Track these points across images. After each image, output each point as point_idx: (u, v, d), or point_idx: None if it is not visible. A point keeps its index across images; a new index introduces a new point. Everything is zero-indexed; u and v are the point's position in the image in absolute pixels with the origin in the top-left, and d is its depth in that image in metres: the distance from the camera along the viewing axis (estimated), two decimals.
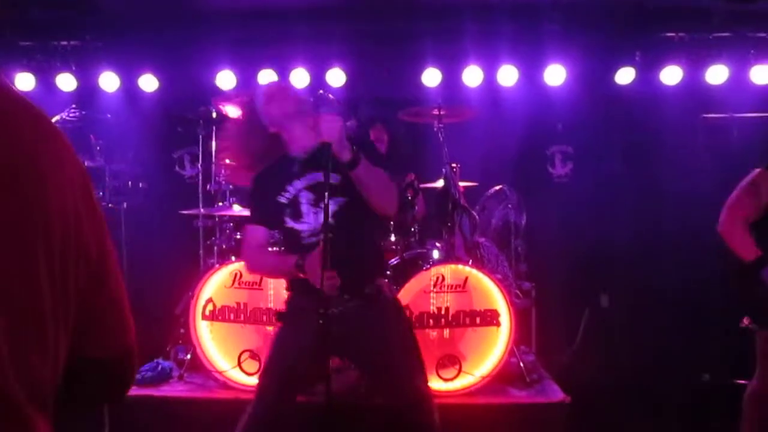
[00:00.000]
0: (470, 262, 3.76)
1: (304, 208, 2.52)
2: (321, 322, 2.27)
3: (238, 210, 4.21)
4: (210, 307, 3.76)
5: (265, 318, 3.71)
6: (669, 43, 5.10)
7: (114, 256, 0.96)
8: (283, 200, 2.54)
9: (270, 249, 2.88)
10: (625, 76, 5.27)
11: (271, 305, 3.71)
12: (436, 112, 4.01)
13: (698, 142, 5.24)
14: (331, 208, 2.37)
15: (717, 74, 5.13)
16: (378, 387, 2.64)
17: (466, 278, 3.65)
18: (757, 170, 2.99)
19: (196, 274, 4.52)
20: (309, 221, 2.51)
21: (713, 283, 4.74)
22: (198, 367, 3.88)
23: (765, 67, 5.05)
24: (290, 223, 2.53)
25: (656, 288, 5.16)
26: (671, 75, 5.19)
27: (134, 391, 3.63)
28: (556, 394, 3.61)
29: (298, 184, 2.54)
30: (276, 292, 3.71)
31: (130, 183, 5.21)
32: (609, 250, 5.34)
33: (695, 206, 5.06)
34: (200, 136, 4.61)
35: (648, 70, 5.23)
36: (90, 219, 0.87)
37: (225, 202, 4.41)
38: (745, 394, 3.10)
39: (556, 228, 5.31)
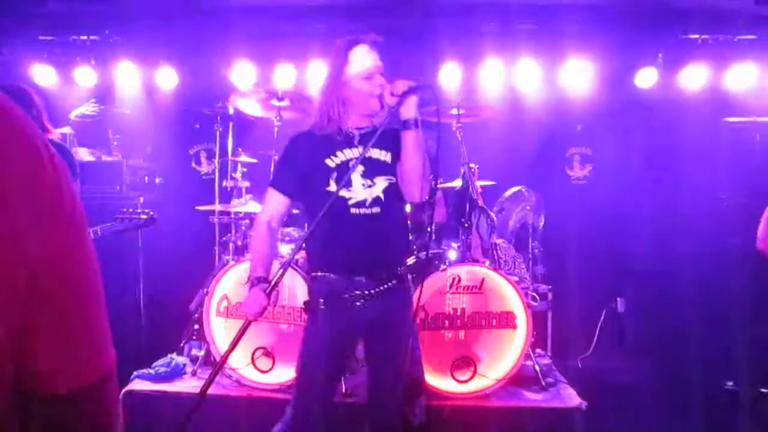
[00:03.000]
0: (487, 264, 3.72)
1: (354, 178, 2.41)
2: (358, 304, 2.36)
3: (254, 207, 4.19)
4: (225, 303, 3.74)
5: (278, 315, 3.69)
6: (692, 44, 5.03)
7: (80, 263, 0.79)
8: (331, 163, 2.44)
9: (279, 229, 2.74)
10: (646, 77, 5.22)
11: (285, 303, 3.69)
12: (454, 111, 3.97)
13: (719, 147, 5.14)
14: (383, 184, 2.43)
15: (740, 77, 5.06)
16: (380, 369, 2.54)
17: (483, 279, 3.61)
18: None
19: (211, 270, 4.54)
20: (358, 191, 2.41)
21: (733, 289, 4.70)
22: (212, 363, 3.88)
23: None
24: (334, 188, 2.38)
25: (674, 293, 5.08)
26: (693, 77, 5.13)
27: (148, 386, 3.65)
28: (572, 399, 3.56)
29: (348, 152, 2.46)
30: (291, 290, 3.69)
31: (146, 178, 5.22)
32: (627, 254, 5.30)
33: (716, 211, 5.01)
34: (217, 132, 4.59)
35: (670, 72, 5.17)
36: (30, 213, 0.72)
37: (241, 199, 4.40)
38: None
39: (573, 231, 5.25)
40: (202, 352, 3.91)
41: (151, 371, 3.77)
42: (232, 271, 3.74)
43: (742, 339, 4.57)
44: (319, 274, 2.48)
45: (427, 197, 2.56)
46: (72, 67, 5.25)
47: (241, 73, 5.25)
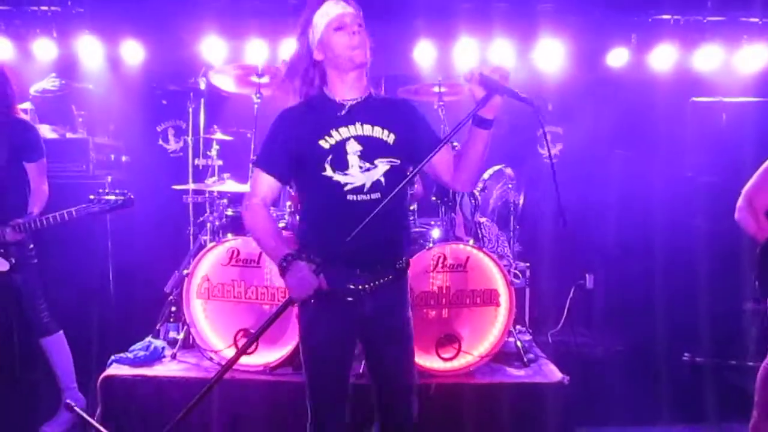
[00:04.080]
0: (471, 242, 3.73)
1: (350, 159, 2.18)
2: (350, 299, 2.18)
3: (233, 186, 4.10)
4: (206, 285, 3.66)
5: (262, 296, 3.63)
6: (663, 25, 5.11)
7: None
8: (324, 144, 2.19)
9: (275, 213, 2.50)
10: (617, 57, 5.29)
11: (267, 283, 3.63)
12: (436, 89, 3.94)
13: (688, 126, 5.27)
14: (384, 167, 2.20)
15: (709, 58, 5.18)
16: (381, 366, 2.38)
17: (468, 258, 3.62)
18: None
19: (185, 251, 4.44)
20: (354, 175, 2.18)
21: (699, 265, 4.86)
22: (191, 346, 3.80)
23: (756, 52, 5.10)
24: (330, 173, 2.17)
25: (643, 270, 5.21)
26: (663, 57, 5.22)
27: (126, 371, 3.55)
28: (554, 374, 3.62)
29: (345, 131, 2.20)
30: (271, 270, 3.63)
31: (113, 156, 5.04)
32: (596, 231, 5.39)
33: (683, 189, 5.15)
34: (189, 109, 4.46)
35: (640, 52, 5.25)
36: None
37: (216, 178, 4.30)
38: (758, 373, 3.15)
39: (545, 209, 5.32)
40: (182, 335, 3.82)
41: (129, 355, 3.66)
42: (213, 252, 3.66)
43: (706, 314, 4.75)
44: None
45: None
46: (31, 39, 5.00)
47: (212, 48, 5.10)
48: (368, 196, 2.19)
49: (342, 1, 2.17)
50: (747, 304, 4.62)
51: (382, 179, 2.20)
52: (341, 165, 2.18)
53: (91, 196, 3.42)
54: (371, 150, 2.20)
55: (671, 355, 4.76)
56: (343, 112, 2.22)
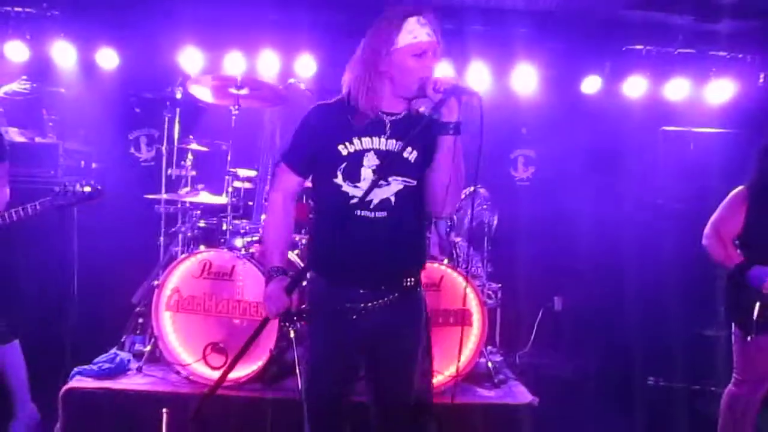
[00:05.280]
0: (445, 262, 3.74)
1: (364, 172, 2.12)
2: (355, 318, 2.13)
3: (206, 198, 4.05)
4: (175, 297, 3.59)
5: (233, 310, 3.58)
6: (635, 55, 5.24)
7: None
8: (343, 150, 2.13)
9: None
10: (591, 84, 5.40)
11: (239, 297, 3.58)
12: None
13: (658, 153, 5.40)
14: (397, 186, 2.12)
15: (678, 89, 5.32)
16: (384, 385, 2.29)
17: (442, 277, 3.63)
18: (739, 188, 3.13)
19: (155, 261, 4.35)
20: (363, 189, 2.10)
21: (668, 289, 4.95)
22: (158, 359, 3.72)
23: (723, 86, 5.26)
24: (340, 181, 2.13)
25: (612, 293, 5.28)
26: (635, 86, 5.35)
27: (90, 383, 3.45)
28: (524, 395, 3.64)
29: (368, 141, 2.14)
30: (243, 284, 3.59)
31: (83, 162, 4.94)
32: (567, 254, 5.46)
33: (653, 214, 5.26)
34: (165, 118, 4.41)
35: (613, 80, 5.38)
36: None
37: (189, 188, 4.24)
38: (722, 398, 3.22)
39: (516, 230, 5.37)
40: (148, 348, 3.73)
41: (94, 367, 3.57)
42: (185, 263, 3.60)
43: (672, 338, 4.83)
44: (314, 276, 2.25)
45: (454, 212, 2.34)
46: (3, 40, 4.88)
47: (190, 58, 5.05)
48: (373, 213, 2.13)
49: (428, 26, 2.09)
50: (711, 329, 4.72)
51: (392, 198, 2.13)
52: (353, 176, 2.12)
53: (57, 188, 3.32)
54: (388, 166, 2.11)
55: (637, 379, 4.83)
56: (381, 125, 2.15)
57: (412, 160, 2.15)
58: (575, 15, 4.96)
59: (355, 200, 2.11)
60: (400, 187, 2.14)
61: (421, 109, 2.20)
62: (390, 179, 2.12)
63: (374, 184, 2.07)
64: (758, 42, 5.10)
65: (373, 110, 2.13)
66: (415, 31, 2.06)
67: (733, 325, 3.14)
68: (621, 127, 5.44)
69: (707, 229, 3.19)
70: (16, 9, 4.81)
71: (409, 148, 2.14)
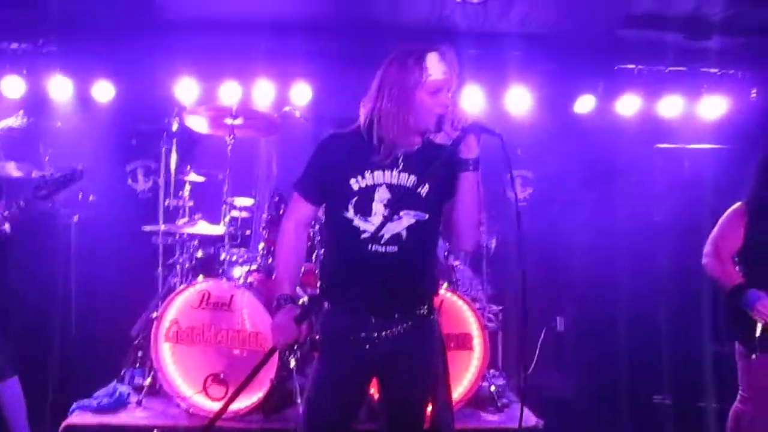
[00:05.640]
0: (445, 286, 3.73)
1: (375, 206, 2.11)
2: (368, 347, 2.11)
3: (204, 228, 4.05)
4: (174, 328, 3.58)
5: (233, 340, 3.56)
6: (628, 74, 5.28)
7: None
8: (354, 185, 2.13)
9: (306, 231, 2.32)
10: (584, 104, 5.43)
11: (239, 327, 3.56)
12: None
13: (653, 171, 5.41)
14: (409, 220, 2.11)
15: (671, 106, 5.36)
16: (396, 413, 2.26)
17: (441, 302, 3.61)
18: (737, 204, 3.13)
19: (153, 293, 4.34)
20: (375, 224, 2.09)
21: (667, 307, 4.93)
22: (158, 392, 3.69)
23: (715, 102, 5.30)
24: (351, 215, 2.12)
25: (612, 311, 5.26)
26: (628, 105, 5.39)
27: (90, 419, 3.43)
28: (529, 418, 3.60)
29: (380, 175, 2.12)
30: (242, 314, 3.58)
31: (80, 195, 4.94)
32: (567, 273, 5.44)
33: (649, 231, 5.27)
34: (162, 149, 4.42)
35: (606, 99, 5.41)
36: None
37: (187, 219, 4.24)
38: (730, 415, 3.19)
39: (515, 252, 5.34)
40: (148, 381, 3.70)
41: (93, 402, 3.54)
42: (183, 294, 3.59)
43: (671, 355, 4.81)
44: (326, 307, 2.22)
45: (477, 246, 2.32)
46: (0, 75, 4.91)
47: (186, 89, 5.08)
48: (384, 248, 2.11)
49: (447, 65, 2.09)
50: (714, 345, 4.69)
51: (404, 233, 2.12)
52: (364, 210, 2.12)
53: (35, 173, 3.28)
54: (400, 201, 2.11)
55: (642, 397, 4.79)
56: (395, 159, 2.13)
57: (424, 195, 2.14)
58: (567, 37, 5.00)
59: (366, 235, 2.11)
60: (412, 221, 2.13)
61: (437, 140, 2.18)
62: (402, 213, 2.11)
63: (386, 220, 2.06)
64: (748, 58, 5.13)
65: (394, 147, 2.11)
66: (431, 69, 2.06)
67: (736, 342, 3.12)
68: (616, 146, 5.46)
69: (707, 247, 3.18)
70: (13, 45, 4.85)
71: (422, 183, 2.13)
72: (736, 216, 3.13)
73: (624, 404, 4.68)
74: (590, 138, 5.55)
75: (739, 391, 3.14)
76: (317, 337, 2.23)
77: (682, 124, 5.44)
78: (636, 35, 4.89)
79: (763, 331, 2.95)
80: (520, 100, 5.38)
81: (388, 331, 2.14)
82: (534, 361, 5.24)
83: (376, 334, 2.14)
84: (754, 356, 2.99)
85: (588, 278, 5.47)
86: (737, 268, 3.12)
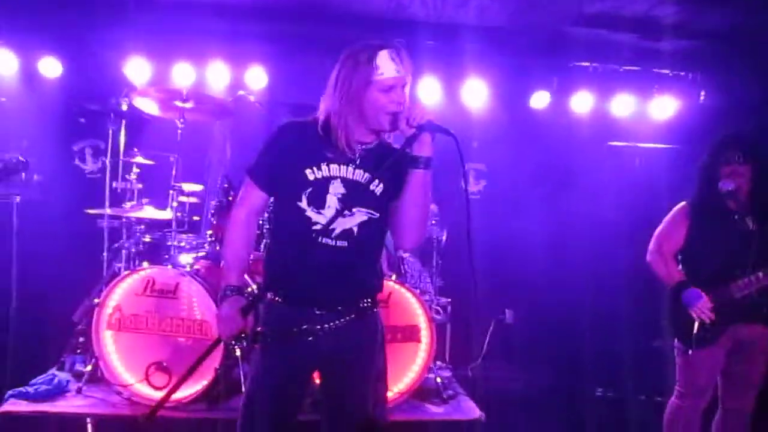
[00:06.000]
0: (394, 277, 3.74)
1: (329, 199, 2.10)
2: (310, 339, 2.09)
3: (151, 213, 3.96)
4: (117, 315, 3.50)
5: (177, 328, 3.50)
6: (582, 71, 5.35)
7: None
8: (310, 175, 2.10)
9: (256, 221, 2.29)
10: (539, 99, 5.49)
11: (184, 315, 3.51)
12: None
13: (605, 167, 5.51)
14: (361, 217, 2.11)
15: (623, 105, 5.46)
16: (337, 409, 2.25)
17: (390, 294, 3.63)
18: (681, 204, 3.21)
19: (98, 278, 4.23)
20: (327, 217, 2.07)
21: (618, 302, 5.04)
22: (99, 379, 3.62)
23: (666, 102, 5.41)
24: (304, 206, 2.10)
25: (563, 304, 5.35)
26: (582, 102, 5.46)
27: (26, 406, 3.34)
28: (473, 411, 3.66)
29: (336, 169, 2.11)
30: (188, 301, 3.52)
31: (23, 175, 4.77)
32: (518, 266, 5.50)
33: (600, 227, 5.36)
34: (110, 130, 4.30)
35: (561, 96, 5.47)
36: None
37: (135, 202, 4.14)
38: (666, 409, 3.28)
39: (467, 244, 5.37)
40: (89, 368, 3.62)
41: (30, 389, 3.44)
42: (127, 280, 3.51)
43: (623, 349, 4.92)
44: (270, 297, 2.19)
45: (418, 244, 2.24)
46: None
47: (137, 69, 4.95)
48: (334, 242, 2.10)
49: (399, 63, 2.05)
50: (659, 340, 4.82)
51: (355, 229, 2.12)
52: (318, 202, 2.10)
53: None
54: (354, 197, 2.10)
55: (586, 391, 4.89)
56: (351, 153, 2.11)
57: (378, 193, 2.14)
58: (525, 31, 5.03)
59: (318, 227, 2.08)
60: (364, 218, 2.13)
61: (391, 140, 2.18)
62: (354, 210, 2.11)
63: (338, 214, 2.04)
64: (699, 61, 5.26)
65: (349, 145, 2.10)
66: (383, 67, 2.04)
67: (675, 339, 3.21)
68: (569, 142, 5.54)
69: (651, 245, 3.26)
70: None
71: (377, 180, 2.12)
72: (679, 215, 3.21)
73: (569, 398, 4.78)
74: (544, 133, 5.61)
75: (676, 386, 3.24)
76: (259, 329, 2.19)
77: (634, 123, 5.55)
78: (591, 33, 4.95)
79: (700, 328, 3.04)
80: (476, 93, 5.41)
81: (332, 324, 2.13)
82: (482, 354, 5.31)
83: (319, 327, 2.12)
84: (690, 352, 3.08)
85: (539, 272, 5.54)
86: (679, 266, 3.21)
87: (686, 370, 3.17)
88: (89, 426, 3.02)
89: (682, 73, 5.41)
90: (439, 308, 4.12)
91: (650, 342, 4.91)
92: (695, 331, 3.06)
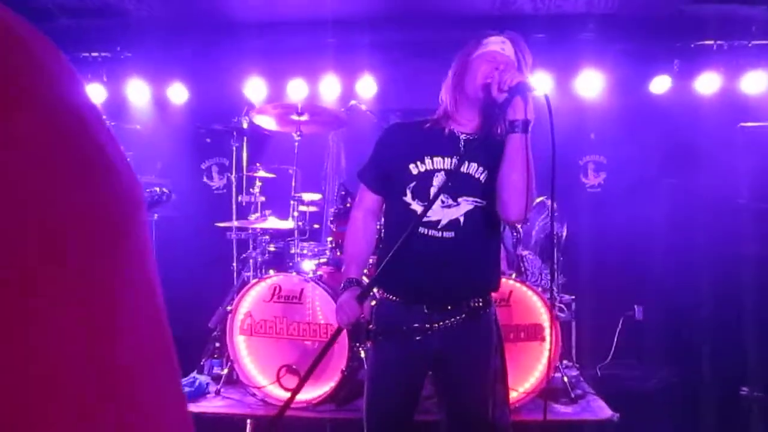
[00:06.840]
0: (513, 276, 3.68)
1: (434, 191, 2.07)
2: (419, 338, 2.09)
3: (275, 223, 4.15)
4: (248, 321, 3.69)
5: (304, 332, 3.64)
6: (707, 51, 5.03)
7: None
8: (414, 170, 2.12)
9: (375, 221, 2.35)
10: (660, 84, 5.22)
11: (309, 319, 3.64)
12: None
13: (735, 151, 5.13)
14: (467, 206, 2.08)
15: (755, 82, 5.06)
16: (454, 410, 2.21)
17: (510, 292, 3.57)
18: None
19: (229, 287, 4.49)
20: (433, 208, 2.05)
21: (751, 295, 4.67)
22: (235, 382, 3.83)
23: None
24: (409, 199, 2.12)
25: (692, 299, 5.05)
26: (708, 83, 5.13)
27: None
28: (604, 410, 3.52)
29: (439, 161, 2.11)
30: (313, 306, 3.65)
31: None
32: (644, 260, 5.26)
33: (732, 216, 4.99)
34: (233, 147, 4.55)
35: (684, 78, 5.17)
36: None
37: (259, 214, 4.36)
38: None
39: (589, 239, 5.21)
40: (225, 371, 3.85)
41: None
42: (255, 288, 3.70)
43: (759, 345, 4.55)
44: (381, 295, 2.21)
45: (523, 219, 2.19)
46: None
47: (254, 88, 5.23)
48: (441, 233, 2.09)
49: (505, 42, 2.11)
50: None
51: (461, 219, 2.09)
52: (422, 195, 2.10)
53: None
54: (458, 187, 2.08)
55: (727, 389, 4.57)
56: (456, 143, 2.14)
57: (483, 180, 2.10)
58: (637, 15, 4.81)
59: (423, 219, 2.05)
60: (470, 207, 2.10)
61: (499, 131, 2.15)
62: (460, 200, 2.09)
63: (432, 202, 1.99)
64: None
65: (452, 135, 2.14)
66: (489, 45, 2.09)
67: None
68: (695, 126, 5.21)
69: None
70: (93, 54, 5.12)
71: (481, 168, 2.10)
72: None
73: (708, 397, 4.48)
74: (667, 119, 5.32)
75: None
76: (371, 327, 2.21)
77: (767, 101, 5.14)
78: (713, 9, 4.65)
79: None
80: (591, 83, 5.24)
81: (440, 323, 2.11)
82: (611, 352, 5.11)
83: (428, 326, 2.10)
84: None
85: (668, 265, 5.26)
86: None
87: None
88: (248, 426, 3.20)
89: None
90: (562, 305, 4.01)
91: None
92: None
